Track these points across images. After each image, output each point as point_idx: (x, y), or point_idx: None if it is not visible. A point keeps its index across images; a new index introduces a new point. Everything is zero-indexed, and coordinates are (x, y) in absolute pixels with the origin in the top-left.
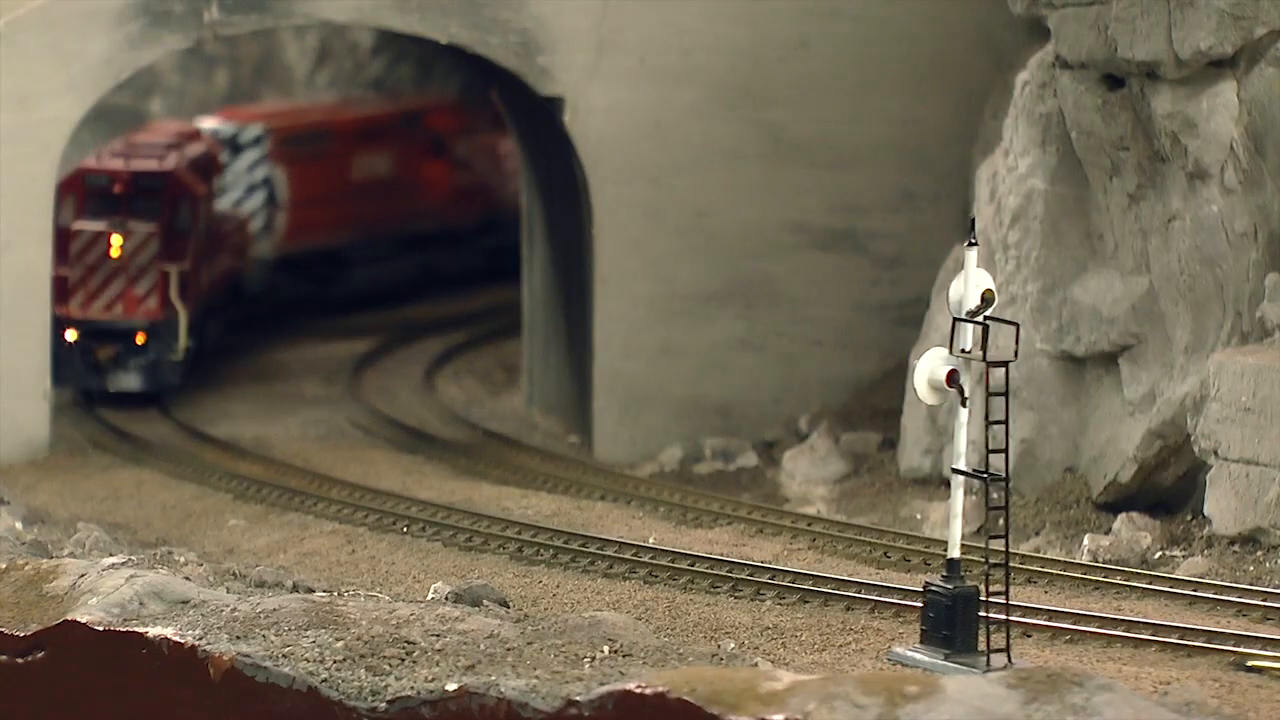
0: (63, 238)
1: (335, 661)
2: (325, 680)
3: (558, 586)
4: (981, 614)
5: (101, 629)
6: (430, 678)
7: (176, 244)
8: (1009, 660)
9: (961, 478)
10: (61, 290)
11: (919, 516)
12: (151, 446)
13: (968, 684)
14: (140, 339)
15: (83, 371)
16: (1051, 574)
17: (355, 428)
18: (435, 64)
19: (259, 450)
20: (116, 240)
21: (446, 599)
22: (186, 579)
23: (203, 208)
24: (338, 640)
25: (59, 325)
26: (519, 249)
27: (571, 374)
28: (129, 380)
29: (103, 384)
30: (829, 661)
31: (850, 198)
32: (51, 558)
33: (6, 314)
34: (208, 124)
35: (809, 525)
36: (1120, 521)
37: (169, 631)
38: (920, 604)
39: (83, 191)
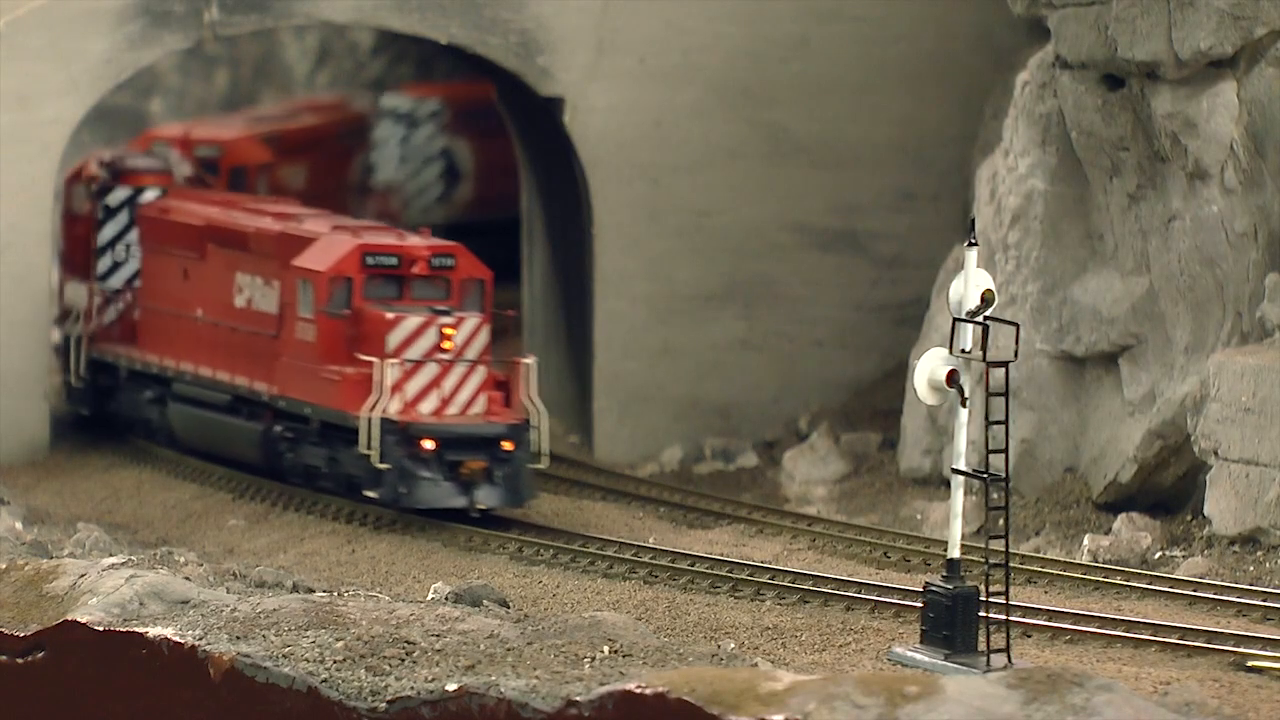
0: (357, 323)
1: (335, 661)
2: (325, 680)
3: (558, 586)
4: (981, 614)
5: (101, 629)
6: (430, 678)
7: (492, 330)
8: (1009, 660)
9: (961, 478)
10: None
11: (919, 516)
12: (152, 447)
13: (968, 684)
14: (508, 446)
15: (447, 488)
16: (1051, 574)
17: None
18: (435, 64)
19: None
20: (449, 330)
21: (446, 599)
22: (186, 579)
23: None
24: (338, 640)
25: (399, 434)
26: None
27: (571, 374)
28: (491, 496)
29: (472, 503)
30: (829, 661)
31: (850, 198)
32: (51, 558)
33: (6, 314)
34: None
35: (809, 525)
36: (1120, 521)
37: (169, 631)
38: (920, 604)
39: (364, 271)
